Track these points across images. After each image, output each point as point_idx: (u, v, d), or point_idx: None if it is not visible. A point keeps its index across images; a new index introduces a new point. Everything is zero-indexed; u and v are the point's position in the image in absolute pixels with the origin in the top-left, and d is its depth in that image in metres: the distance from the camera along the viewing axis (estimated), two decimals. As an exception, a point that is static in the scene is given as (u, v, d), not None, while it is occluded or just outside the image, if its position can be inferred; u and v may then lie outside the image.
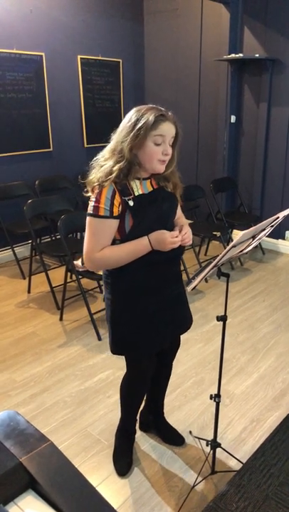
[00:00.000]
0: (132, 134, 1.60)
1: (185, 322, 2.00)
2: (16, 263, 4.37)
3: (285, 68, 4.44)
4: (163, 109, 1.65)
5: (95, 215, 1.64)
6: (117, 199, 1.63)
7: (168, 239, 1.65)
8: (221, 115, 4.93)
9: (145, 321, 1.82)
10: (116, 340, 1.87)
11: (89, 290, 3.81)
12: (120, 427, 2.18)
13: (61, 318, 3.49)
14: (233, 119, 4.90)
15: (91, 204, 1.65)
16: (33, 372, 2.83)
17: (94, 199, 1.64)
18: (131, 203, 1.64)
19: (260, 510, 1.57)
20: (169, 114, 1.65)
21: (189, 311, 2.02)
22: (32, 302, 3.79)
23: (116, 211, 1.63)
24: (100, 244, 1.66)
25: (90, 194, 1.69)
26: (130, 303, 1.80)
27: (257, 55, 4.43)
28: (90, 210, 1.65)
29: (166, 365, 2.16)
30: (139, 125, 1.58)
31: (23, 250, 4.67)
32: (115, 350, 1.90)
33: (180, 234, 1.70)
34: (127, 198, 1.64)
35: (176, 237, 1.67)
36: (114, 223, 1.65)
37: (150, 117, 1.58)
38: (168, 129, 1.62)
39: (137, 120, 1.60)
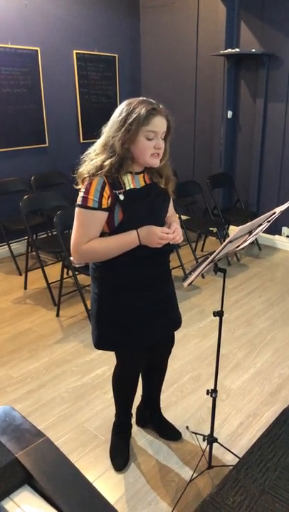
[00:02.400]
0: (123, 128, 1.58)
1: (175, 319, 1.99)
2: (12, 259, 4.36)
3: (282, 63, 4.43)
4: (154, 102, 1.62)
5: (84, 206, 1.62)
6: (107, 191, 1.61)
7: (158, 234, 1.63)
8: (217, 110, 4.92)
9: (133, 317, 1.81)
10: (102, 336, 1.86)
11: (85, 286, 3.81)
12: (116, 422, 2.19)
13: (58, 314, 3.48)
14: (229, 114, 4.89)
15: (80, 195, 1.64)
16: (30, 368, 2.82)
17: (83, 190, 1.63)
18: (121, 197, 1.62)
19: (256, 504, 1.57)
20: (161, 107, 1.62)
21: (178, 310, 2.01)
22: (28, 298, 3.78)
23: (105, 203, 1.62)
24: (88, 236, 1.64)
25: (80, 186, 1.67)
26: (117, 298, 1.78)
27: (253, 50, 4.41)
28: (78, 201, 1.64)
29: (161, 363, 2.16)
30: (130, 120, 1.56)
31: (19, 246, 4.65)
32: (100, 345, 1.89)
33: (170, 231, 1.68)
34: (117, 192, 1.62)
35: (167, 233, 1.65)
36: (102, 215, 1.63)
37: (142, 111, 1.55)
38: (159, 124, 1.60)
39: (128, 115, 1.57)
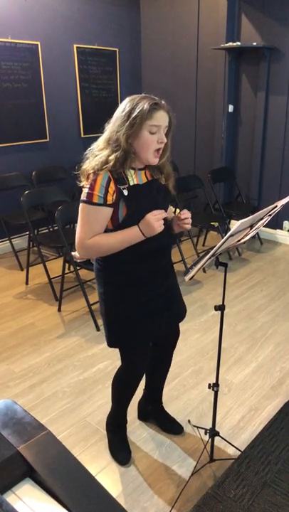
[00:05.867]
0: (127, 123, 1.59)
1: (179, 311, 2.00)
2: (13, 254, 4.36)
3: (283, 57, 4.40)
4: (156, 98, 1.64)
5: (89, 202, 1.62)
6: (112, 187, 1.62)
7: (151, 217, 1.62)
8: (218, 104, 4.90)
9: (138, 311, 1.82)
10: (111, 334, 1.87)
11: (87, 281, 3.81)
12: (111, 420, 2.18)
13: (59, 309, 3.49)
14: (230, 108, 4.86)
15: (85, 191, 1.64)
16: (32, 363, 2.83)
17: (88, 186, 1.63)
18: (125, 192, 1.63)
19: (258, 497, 1.58)
20: (163, 102, 1.64)
21: (183, 301, 2.02)
22: (30, 293, 3.78)
23: (110, 199, 1.62)
24: (93, 231, 1.65)
25: (83, 183, 1.67)
26: (122, 294, 1.79)
27: (254, 44, 4.38)
28: (83, 196, 1.64)
29: (167, 356, 2.16)
30: (134, 114, 1.58)
31: (20, 242, 4.65)
32: (111, 343, 1.90)
33: (182, 216, 1.72)
34: (122, 187, 1.63)
35: (159, 215, 1.65)
36: (107, 211, 1.64)
37: (145, 106, 1.57)
38: (162, 118, 1.62)
39: (132, 109, 1.59)
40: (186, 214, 1.76)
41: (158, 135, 1.62)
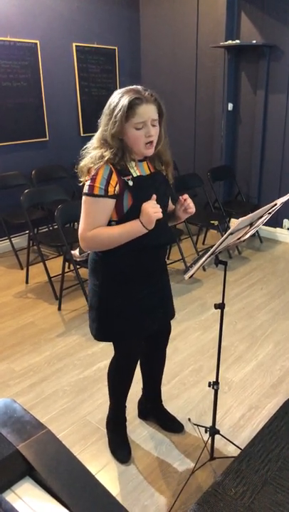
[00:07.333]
0: (110, 121, 1.59)
1: (170, 309, 2.02)
2: (13, 253, 4.36)
3: (283, 55, 4.39)
4: (141, 89, 1.60)
5: (90, 194, 1.63)
6: (114, 179, 1.62)
7: (146, 205, 1.62)
8: (217, 103, 4.89)
9: (134, 307, 1.83)
10: (103, 327, 1.87)
11: (87, 280, 3.79)
12: (111, 417, 2.17)
13: (59, 308, 3.49)
14: (230, 106, 4.86)
15: (87, 184, 1.65)
16: (32, 361, 2.83)
17: (90, 179, 1.64)
18: (130, 183, 1.63)
19: (258, 495, 1.58)
20: (147, 94, 1.59)
21: (172, 300, 2.04)
22: (30, 292, 3.78)
23: (112, 191, 1.62)
24: (94, 223, 1.65)
25: (83, 180, 1.68)
26: (119, 289, 1.80)
27: (254, 42, 4.38)
28: (85, 189, 1.65)
29: (160, 351, 2.17)
30: (115, 112, 1.56)
31: (20, 241, 4.65)
32: (101, 337, 1.90)
33: (184, 201, 1.78)
34: (126, 178, 1.63)
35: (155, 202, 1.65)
36: (109, 202, 1.64)
37: (125, 102, 1.54)
38: (145, 112, 1.58)
39: (115, 106, 1.57)
40: (184, 196, 1.79)
41: (144, 130, 1.60)
